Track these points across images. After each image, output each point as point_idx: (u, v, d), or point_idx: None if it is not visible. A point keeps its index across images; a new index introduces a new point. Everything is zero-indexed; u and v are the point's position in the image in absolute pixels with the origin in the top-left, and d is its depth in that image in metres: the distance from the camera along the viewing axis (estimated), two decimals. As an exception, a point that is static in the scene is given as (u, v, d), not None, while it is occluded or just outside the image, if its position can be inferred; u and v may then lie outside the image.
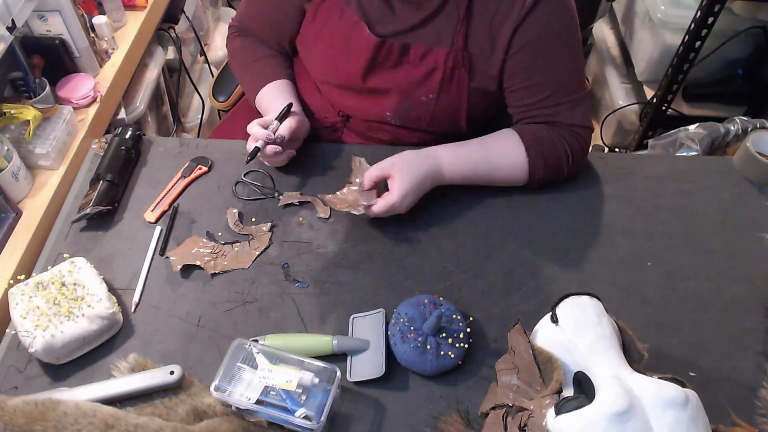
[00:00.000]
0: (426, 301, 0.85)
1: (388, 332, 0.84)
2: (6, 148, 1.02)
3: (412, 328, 0.82)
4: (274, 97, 1.09)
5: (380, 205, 0.95)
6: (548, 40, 0.95)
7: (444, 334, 0.82)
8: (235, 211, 1.01)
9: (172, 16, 1.70)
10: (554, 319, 0.75)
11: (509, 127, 1.04)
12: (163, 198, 1.03)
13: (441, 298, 0.86)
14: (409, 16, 0.98)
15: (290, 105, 1.04)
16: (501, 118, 1.15)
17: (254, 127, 1.00)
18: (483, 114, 1.09)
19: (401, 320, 0.83)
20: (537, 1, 0.92)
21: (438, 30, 0.98)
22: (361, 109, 1.09)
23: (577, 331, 0.73)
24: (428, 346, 0.81)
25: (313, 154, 1.11)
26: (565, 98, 0.99)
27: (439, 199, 1.03)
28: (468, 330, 0.83)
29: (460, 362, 0.83)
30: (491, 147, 1.02)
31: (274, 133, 0.99)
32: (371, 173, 0.97)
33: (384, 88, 1.04)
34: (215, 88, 1.43)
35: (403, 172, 0.95)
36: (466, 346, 0.83)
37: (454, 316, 0.84)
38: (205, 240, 0.97)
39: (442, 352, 0.81)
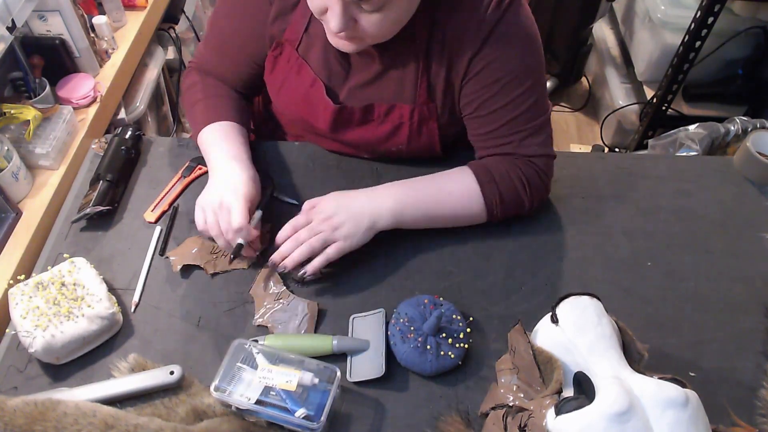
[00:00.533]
0: (426, 301, 0.85)
1: (388, 332, 0.84)
2: (6, 148, 1.02)
3: (412, 328, 0.82)
4: (221, 137, 0.98)
5: (289, 225, 0.90)
6: (501, 70, 0.89)
7: (444, 334, 0.82)
8: (235, 211, 1.01)
9: (172, 16, 1.71)
10: (554, 319, 0.75)
11: (463, 165, 0.97)
12: (163, 198, 1.03)
13: (441, 298, 0.86)
14: (363, 70, 0.94)
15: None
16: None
17: (244, 211, 0.88)
18: (458, 137, 1.05)
19: (401, 320, 0.83)
20: (491, 32, 0.86)
21: (398, 84, 0.94)
22: (337, 151, 1.10)
23: (577, 331, 0.73)
24: (428, 346, 0.81)
25: (312, 155, 1.11)
26: (520, 128, 0.93)
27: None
28: (468, 330, 0.83)
29: (460, 362, 0.83)
30: (443, 185, 0.95)
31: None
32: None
33: (354, 142, 1.04)
34: None
35: (333, 195, 0.92)
36: (466, 346, 0.83)
37: (454, 316, 0.84)
38: (205, 240, 0.97)
39: (442, 352, 0.81)
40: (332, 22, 0.79)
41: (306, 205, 0.93)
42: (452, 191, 0.94)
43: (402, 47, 0.90)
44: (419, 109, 0.96)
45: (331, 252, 0.88)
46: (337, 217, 0.89)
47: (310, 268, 0.88)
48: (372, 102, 0.97)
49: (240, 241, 0.88)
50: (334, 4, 0.77)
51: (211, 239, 0.95)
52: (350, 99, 0.98)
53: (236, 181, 0.90)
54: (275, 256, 0.90)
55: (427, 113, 0.97)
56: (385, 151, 1.04)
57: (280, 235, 0.91)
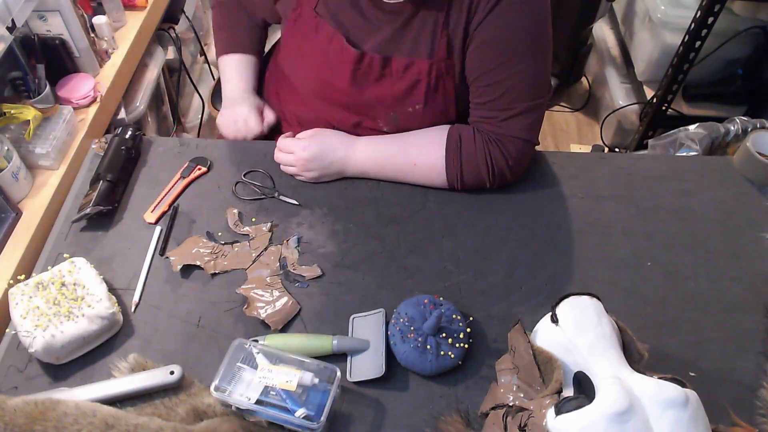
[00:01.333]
0: (426, 301, 0.85)
1: (388, 332, 0.84)
2: (6, 148, 1.02)
3: (412, 328, 0.82)
4: (234, 72, 1.18)
5: (283, 142, 1.06)
6: (505, 40, 0.91)
7: (444, 334, 0.82)
8: (235, 211, 1.01)
9: (172, 16, 1.70)
10: (554, 319, 0.75)
11: (446, 125, 1.03)
12: (162, 198, 1.03)
13: (441, 298, 0.86)
14: (385, 25, 0.96)
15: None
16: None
17: (258, 118, 1.16)
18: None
19: (401, 320, 0.83)
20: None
21: (418, 39, 0.96)
22: (350, 123, 1.09)
23: (577, 331, 0.73)
24: (428, 346, 0.81)
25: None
26: (512, 105, 0.95)
27: (439, 200, 1.03)
28: (468, 330, 0.83)
29: (460, 362, 0.83)
30: (413, 143, 1.03)
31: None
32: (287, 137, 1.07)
33: (370, 103, 1.03)
34: (214, 96, 1.43)
35: (316, 137, 1.05)
36: (466, 346, 0.83)
37: (454, 316, 0.84)
38: (205, 240, 0.97)
39: (442, 352, 0.81)
40: None
41: (299, 136, 1.07)
42: (417, 163, 1.02)
43: (427, 5, 0.92)
44: (437, 65, 0.97)
45: (300, 178, 1.07)
46: (310, 163, 1.04)
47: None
48: (391, 54, 0.98)
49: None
50: None
51: (212, 239, 0.96)
52: (370, 50, 0.99)
53: (248, 103, 1.16)
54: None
55: (444, 70, 0.97)
56: (401, 113, 1.04)
57: (279, 144, 1.08)
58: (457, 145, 0.99)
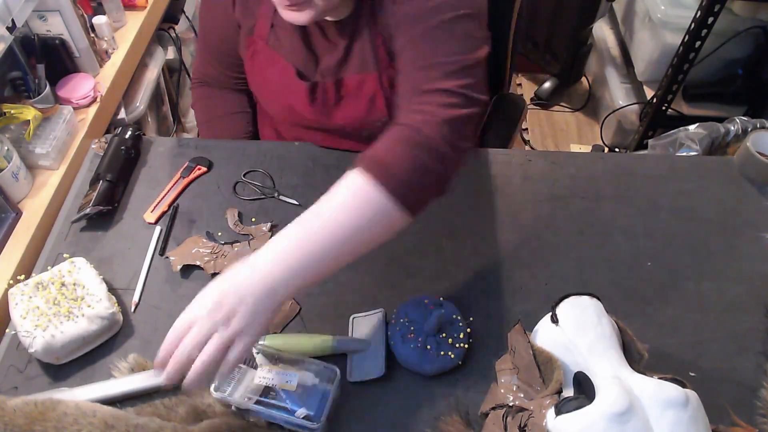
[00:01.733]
0: (426, 301, 0.85)
1: (388, 333, 0.84)
2: (6, 148, 1.02)
3: (412, 328, 0.82)
4: None
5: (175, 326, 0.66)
6: (415, 13, 0.79)
7: (444, 335, 0.82)
8: (235, 211, 1.01)
9: (172, 16, 1.71)
10: (554, 319, 0.75)
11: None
12: (162, 198, 1.03)
13: (441, 298, 0.86)
14: (331, 51, 0.97)
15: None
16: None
17: None
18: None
19: (401, 321, 0.83)
20: None
21: (362, 56, 0.96)
22: (326, 142, 1.11)
23: (577, 331, 0.73)
24: (428, 347, 0.80)
25: (312, 155, 1.11)
26: (436, 69, 0.77)
27: (439, 200, 1.03)
28: (468, 330, 0.83)
29: (460, 362, 0.83)
30: (322, 210, 0.73)
31: None
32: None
33: (339, 125, 1.05)
34: None
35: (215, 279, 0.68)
36: (466, 346, 0.83)
37: (454, 316, 0.84)
38: (205, 240, 0.97)
39: (442, 352, 0.81)
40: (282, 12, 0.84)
41: (183, 316, 0.66)
42: (347, 207, 0.71)
43: (356, 19, 0.92)
44: (385, 74, 0.96)
45: (238, 353, 0.65)
46: (225, 306, 0.64)
47: (218, 380, 0.72)
48: (343, 76, 0.99)
49: None
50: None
51: (212, 239, 0.96)
52: (322, 77, 1.00)
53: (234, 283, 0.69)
54: (165, 379, 0.65)
55: (395, 76, 0.84)
56: (372, 129, 1.01)
57: (162, 352, 0.65)
58: (379, 164, 0.71)
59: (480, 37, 0.81)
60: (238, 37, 1.04)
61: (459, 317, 0.84)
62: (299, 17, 0.84)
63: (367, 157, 0.72)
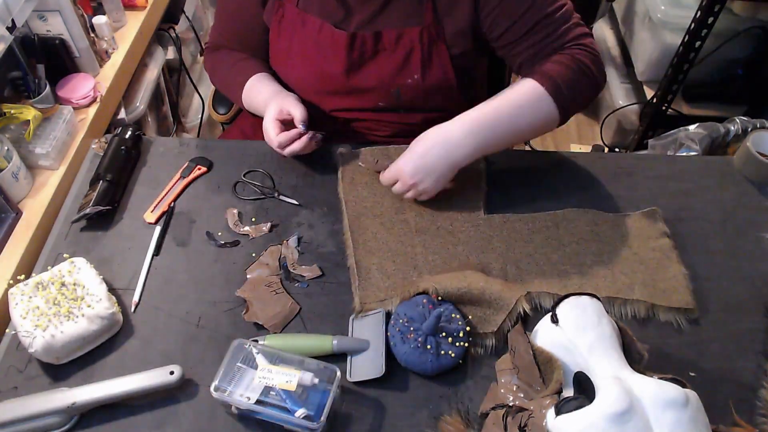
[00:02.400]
0: (425, 301, 0.85)
1: (388, 333, 0.84)
2: (6, 148, 1.02)
3: (411, 328, 0.82)
4: (260, 88, 1.08)
5: (385, 175, 0.99)
6: None
7: (444, 334, 0.82)
8: (235, 211, 1.01)
9: (172, 16, 1.70)
10: (554, 319, 0.75)
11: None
12: (162, 198, 1.03)
13: (440, 298, 0.86)
14: (364, 4, 0.99)
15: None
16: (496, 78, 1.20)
17: (275, 128, 1.00)
18: (473, 76, 1.11)
19: (400, 321, 0.83)
20: None
21: (404, 9, 0.98)
22: (353, 108, 1.10)
23: (577, 331, 0.73)
24: (428, 346, 0.81)
25: (312, 155, 1.10)
26: (550, 22, 0.96)
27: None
28: (468, 329, 0.83)
29: (460, 361, 0.83)
30: (502, 95, 0.96)
31: (303, 125, 1.00)
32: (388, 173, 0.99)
33: (368, 81, 1.04)
34: (215, 99, 1.42)
35: (413, 149, 0.96)
36: (466, 344, 0.83)
37: (453, 315, 0.84)
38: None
39: (442, 352, 0.81)
40: None
41: (394, 166, 0.98)
42: (522, 104, 0.95)
43: None
44: (427, 30, 0.98)
45: (424, 198, 0.99)
46: (417, 175, 0.95)
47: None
48: (380, 28, 0.99)
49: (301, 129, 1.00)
50: None
51: (212, 239, 0.96)
52: (359, 29, 1.00)
53: (269, 113, 1.02)
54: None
55: (435, 34, 0.99)
56: (401, 85, 1.04)
57: (382, 180, 1.01)
58: (546, 73, 0.95)
59: None
60: (260, 10, 1.05)
61: (458, 316, 0.84)
62: None
63: (538, 71, 0.96)
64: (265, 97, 1.05)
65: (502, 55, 1.04)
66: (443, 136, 0.94)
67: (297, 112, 1.00)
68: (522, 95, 0.95)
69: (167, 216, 1.01)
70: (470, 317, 0.86)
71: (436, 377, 0.83)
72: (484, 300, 0.87)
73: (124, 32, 1.45)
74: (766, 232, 1.01)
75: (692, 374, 0.83)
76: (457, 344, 0.82)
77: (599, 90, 1.02)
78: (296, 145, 1.00)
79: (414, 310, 0.84)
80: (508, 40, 0.99)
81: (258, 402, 0.74)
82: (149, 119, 1.62)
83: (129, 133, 1.09)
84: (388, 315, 0.87)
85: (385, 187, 1.02)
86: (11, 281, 0.93)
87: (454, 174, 0.96)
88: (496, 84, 1.30)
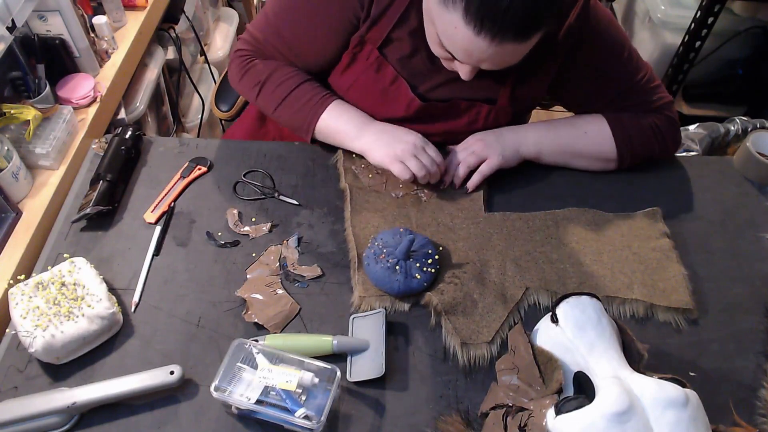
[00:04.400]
0: (401, 230, 0.92)
1: (364, 254, 0.91)
2: (6, 148, 1.02)
3: (385, 251, 0.88)
4: (346, 110, 1.01)
5: (482, 169, 1.01)
6: (604, 52, 0.99)
7: (413, 260, 0.88)
8: (235, 211, 1.01)
9: (172, 16, 1.70)
10: (554, 319, 0.75)
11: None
12: (162, 198, 1.03)
13: (417, 233, 0.92)
14: (449, 74, 0.95)
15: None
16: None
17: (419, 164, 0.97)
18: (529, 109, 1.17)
19: (376, 244, 0.90)
20: (584, 23, 0.94)
21: (480, 85, 0.96)
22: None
23: (577, 331, 0.73)
24: (397, 268, 0.87)
25: (312, 155, 1.11)
26: (633, 88, 1.02)
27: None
28: (437, 257, 0.90)
29: (426, 284, 0.88)
30: (578, 125, 1.05)
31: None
32: (465, 166, 1.02)
33: (427, 133, 1.02)
34: (218, 96, 1.41)
35: (491, 142, 1.01)
36: (433, 270, 0.89)
37: (426, 248, 0.90)
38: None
39: (410, 275, 0.87)
40: (462, 75, 0.88)
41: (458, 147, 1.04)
42: (587, 131, 1.04)
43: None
44: (495, 111, 1.01)
45: (485, 168, 1.01)
46: (487, 139, 1.01)
47: (470, 185, 1.03)
48: (454, 97, 1.00)
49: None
50: (466, 71, 0.87)
51: (212, 239, 0.96)
52: (431, 94, 1.01)
53: (400, 130, 1.00)
54: (446, 179, 1.03)
55: (503, 115, 1.03)
56: (454, 140, 1.07)
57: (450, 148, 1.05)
58: (617, 119, 1.03)
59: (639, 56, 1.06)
60: (342, 40, 0.98)
61: (431, 249, 0.90)
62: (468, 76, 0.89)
63: (609, 114, 1.04)
64: (368, 119, 1.01)
65: (577, 108, 1.10)
66: (516, 129, 1.04)
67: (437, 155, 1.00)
68: (589, 125, 1.04)
69: (167, 216, 1.01)
70: (441, 248, 0.94)
71: (436, 377, 0.83)
72: (477, 312, 0.88)
73: (124, 32, 1.45)
74: (766, 232, 1.01)
75: (692, 374, 0.83)
76: (425, 269, 0.88)
77: (669, 154, 1.10)
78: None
79: (391, 237, 0.91)
80: (592, 105, 1.06)
81: (258, 402, 0.74)
82: (149, 119, 1.62)
83: (129, 133, 1.09)
84: (388, 316, 0.87)
85: (386, 184, 1.02)
86: (11, 281, 0.93)
87: (517, 163, 1.04)
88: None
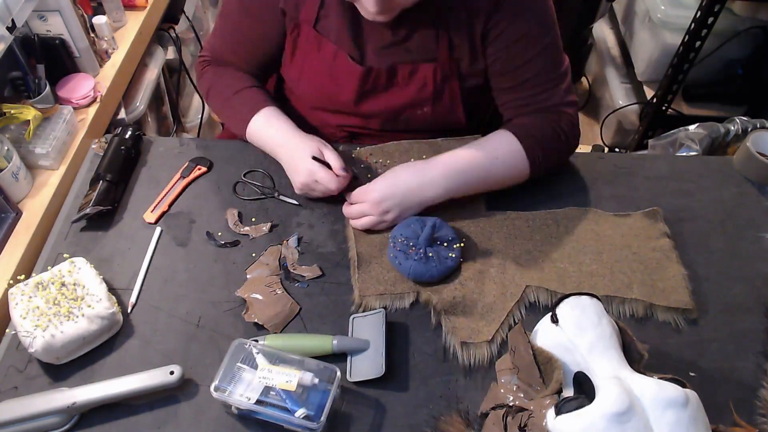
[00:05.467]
0: (414, 221, 0.93)
1: (390, 255, 0.91)
2: (6, 148, 1.02)
3: (410, 244, 0.90)
4: (269, 124, 1.03)
5: (353, 194, 0.98)
6: (519, 28, 0.95)
7: (439, 242, 0.91)
8: (235, 211, 1.01)
9: (172, 16, 1.70)
10: (554, 319, 0.75)
11: (499, 129, 1.02)
12: (162, 198, 1.03)
13: (424, 217, 0.94)
14: (387, 32, 0.97)
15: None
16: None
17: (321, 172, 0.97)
18: (480, 106, 1.12)
19: (399, 240, 0.91)
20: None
21: (419, 44, 0.97)
22: (358, 126, 1.10)
23: (577, 331, 0.73)
24: (430, 254, 0.89)
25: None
26: (544, 80, 0.99)
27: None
28: (455, 233, 0.93)
29: (462, 259, 0.92)
30: (483, 143, 0.99)
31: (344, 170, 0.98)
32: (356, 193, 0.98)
33: (378, 110, 1.05)
34: None
35: (385, 176, 0.96)
36: (462, 245, 0.93)
37: (443, 230, 0.92)
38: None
39: (443, 257, 0.89)
40: (369, 6, 0.85)
41: (367, 184, 0.98)
42: (498, 156, 0.98)
43: (420, 11, 0.91)
44: (441, 66, 0.99)
45: (381, 228, 0.98)
46: (385, 203, 0.95)
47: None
48: (395, 62, 0.99)
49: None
50: (371, 2, 0.84)
51: (212, 239, 0.96)
52: (374, 61, 1.00)
53: (302, 154, 0.98)
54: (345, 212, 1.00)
55: (449, 70, 1.00)
56: (408, 117, 1.06)
57: (349, 196, 1.00)
58: (525, 130, 0.99)
59: (562, 48, 1.01)
60: (276, 18, 1.00)
61: (446, 227, 0.93)
62: (383, 18, 0.88)
63: (518, 125, 1.00)
64: (285, 135, 1.01)
65: (495, 97, 1.06)
66: (419, 172, 0.96)
67: (337, 161, 0.98)
68: (499, 147, 0.98)
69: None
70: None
71: (436, 377, 0.83)
72: (476, 312, 0.88)
73: (124, 32, 1.45)
74: (766, 232, 1.01)
75: (692, 374, 0.83)
76: (455, 246, 0.91)
77: (569, 155, 1.07)
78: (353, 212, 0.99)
79: (407, 230, 0.92)
80: (502, 85, 1.02)
81: (258, 402, 0.74)
82: (149, 119, 1.62)
83: (129, 133, 1.09)
84: (388, 317, 0.87)
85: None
86: (11, 281, 0.93)
87: (419, 212, 0.97)
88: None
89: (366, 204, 0.96)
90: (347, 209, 0.99)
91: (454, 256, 0.90)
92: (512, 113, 1.04)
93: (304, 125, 1.08)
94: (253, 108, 1.04)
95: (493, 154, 0.98)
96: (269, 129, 1.03)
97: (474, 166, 0.97)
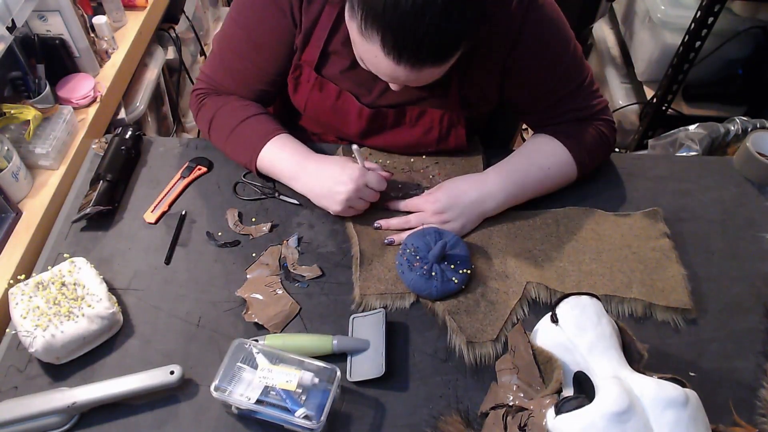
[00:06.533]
0: (431, 232, 0.91)
1: (396, 262, 0.91)
2: (6, 148, 1.02)
3: (418, 257, 0.88)
4: (281, 156, 0.98)
5: (407, 202, 0.99)
6: (543, 57, 0.96)
7: (447, 262, 0.88)
8: (235, 211, 1.01)
9: (172, 16, 1.71)
10: (554, 319, 0.75)
11: (538, 133, 1.05)
12: (162, 198, 1.03)
13: (445, 231, 0.92)
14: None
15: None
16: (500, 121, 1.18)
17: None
18: (480, 126, 1.13)
19: (408, 250, 0.89)
20: (523, 23, 0.91)
21: (429, 88, 0.94)
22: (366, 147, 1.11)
23: (577, 331, 0.73)
24: (433, 273, 0.87)
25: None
26: (576, 92, 1.00)
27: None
28: (468, 258, 0.90)
29: (463, 287, 0.89)
30: (533, 152, 1.01)
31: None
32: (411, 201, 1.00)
33: (383, 144, 1.07)
34: None
35: (446, 187, 0.97)
36: (469, 271, 0.89)
37: (457, 245, 0.90)
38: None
39: (446, 278, 0.87)
40: (392, 87, 0.88)
41: (425, 194, 1.00)
42: (550, 167, 0.99)
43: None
44: (449, 115, 1.00)
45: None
46: (448, 213, 0.95)
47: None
48: (403, 102, 0.99)
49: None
50: (394, 86, 0.86)
51: (212, 239, 0.96)
52: (381, 100, 1.00)
53: (337, 167, 0.94)
54: (383, 223, 0.98)
55: (456, 119, 1.01)
56: (416, 154, 1.08)
57: (398, 205, 1.01)
58: (570, 136, 1.00)
59: (581, 51, 1.01)
60: (284, 55, 0.98)
61: (461, 248, 0.90)
62: (397, 88, 0.89)
63: (563, 133, 1.01)
64: (308, 156, 0.98)
65: (520, 115, 1.08)
66: (478, 184, 0.97)
67: (371, 164, 0.98)
68: (550, 156, 1.00)
69: (177, 224, 1.00)
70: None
71: (436, 377, 0.83)
72: (479, 311, 0.88)
73: (124, 32, 1.45)
74: (766, 232, 1.01)
75: (692, 374, 0.83)
76: (461, 271, 0.88)
77: (611, 154, 1.10)
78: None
79: (421, 240, 0.90)
80: (533, 108, 1.03)
81: (258, 402, 0.74)
82: (149, 119, 1.62)
83: (129, 133, 1.09)
84: (388, 315, 0.87)
85: (388, 181, 1.00)
86: (11, 281, 0.93)
87: (479, 224, 0.99)
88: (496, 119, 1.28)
89: (427, 213, 0.96)
90: (402, 218, 0.97)
91: (457, 281, 0.88)
92: (550, 123, 1.04)
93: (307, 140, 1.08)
94: (265, 135, 0.99)
95: (545, 164, 0.99)
96: (284, 153, 0.98)
97: (530, 178, 0.99)
